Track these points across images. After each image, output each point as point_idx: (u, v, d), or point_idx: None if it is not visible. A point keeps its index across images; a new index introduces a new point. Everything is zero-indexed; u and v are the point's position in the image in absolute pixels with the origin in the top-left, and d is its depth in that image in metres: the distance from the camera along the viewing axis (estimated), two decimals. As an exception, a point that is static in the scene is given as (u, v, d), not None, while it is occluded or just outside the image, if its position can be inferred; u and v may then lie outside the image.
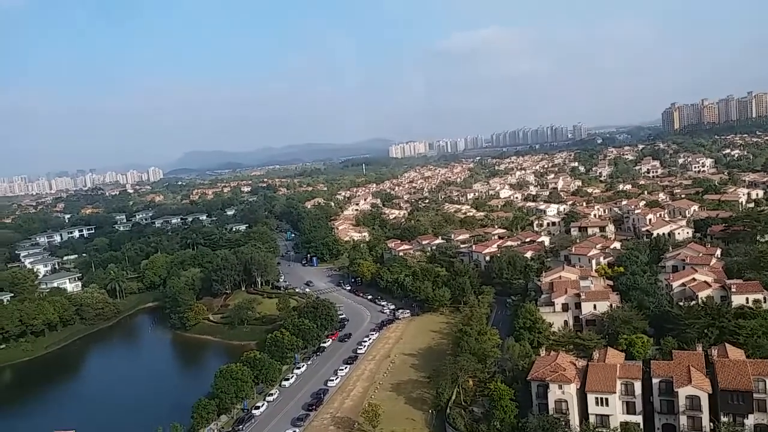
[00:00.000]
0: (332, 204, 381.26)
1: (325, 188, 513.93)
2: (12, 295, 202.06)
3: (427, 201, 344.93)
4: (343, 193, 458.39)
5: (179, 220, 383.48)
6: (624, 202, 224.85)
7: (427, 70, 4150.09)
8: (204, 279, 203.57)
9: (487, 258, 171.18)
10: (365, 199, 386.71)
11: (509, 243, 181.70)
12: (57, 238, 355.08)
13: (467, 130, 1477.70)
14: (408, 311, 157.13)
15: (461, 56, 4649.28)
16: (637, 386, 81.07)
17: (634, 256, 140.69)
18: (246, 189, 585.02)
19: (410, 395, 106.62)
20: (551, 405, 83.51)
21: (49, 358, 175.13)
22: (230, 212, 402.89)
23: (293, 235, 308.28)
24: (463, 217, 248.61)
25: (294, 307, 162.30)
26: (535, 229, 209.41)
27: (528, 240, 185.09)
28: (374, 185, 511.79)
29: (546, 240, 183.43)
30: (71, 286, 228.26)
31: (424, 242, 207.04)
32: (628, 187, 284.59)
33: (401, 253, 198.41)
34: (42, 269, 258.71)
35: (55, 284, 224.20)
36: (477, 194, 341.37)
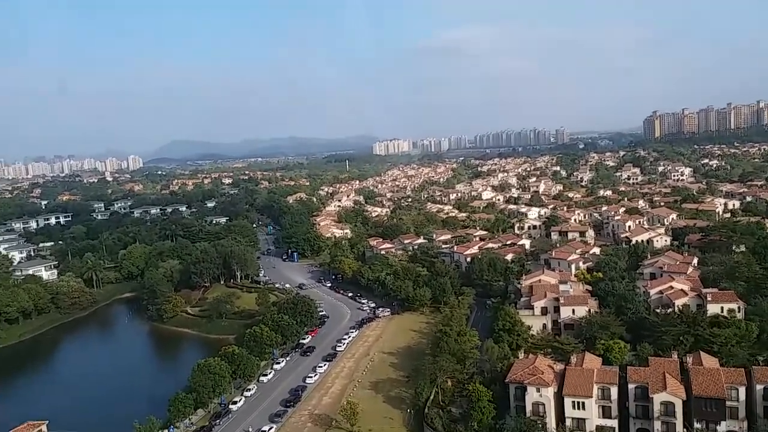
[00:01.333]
0: (314, 199, 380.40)
1: (308, 183, 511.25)
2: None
3: (410, 200, 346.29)
4: (326, 189, 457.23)
5: (158, 210, 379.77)
6: (604, 208, 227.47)
7: (411, 68, 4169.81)
8: (183, 271, 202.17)
9: (468, 259, 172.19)
10: (348, 196, 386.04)
11: (490, 245, 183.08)
12: (33, 225, 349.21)
13: (451, 130, 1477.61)
14: (388, 310, 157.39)
15: (444, 53, 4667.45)
16: (614, 391, 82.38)
17: (612, 262, 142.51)
18: (227, 181, 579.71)
19: (389, 394, 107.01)
20: (528, 407, 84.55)
21: (23, 346, 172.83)
22: (210, 204, 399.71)
23: (274, 229, 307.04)
24: (445, 218, 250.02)
25: (273, 302, 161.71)
26: (516, 231, 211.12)
27: (509, 242, 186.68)
28: (357, 182, 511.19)
29: (527, 243, 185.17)
30: (47, 273, 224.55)
31: (406, 241, 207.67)
32: (609, 193, 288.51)
33: (383, 252, 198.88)
34: (17, 256, 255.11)
35: (30, 272, 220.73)
36: (459, 195, 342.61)
